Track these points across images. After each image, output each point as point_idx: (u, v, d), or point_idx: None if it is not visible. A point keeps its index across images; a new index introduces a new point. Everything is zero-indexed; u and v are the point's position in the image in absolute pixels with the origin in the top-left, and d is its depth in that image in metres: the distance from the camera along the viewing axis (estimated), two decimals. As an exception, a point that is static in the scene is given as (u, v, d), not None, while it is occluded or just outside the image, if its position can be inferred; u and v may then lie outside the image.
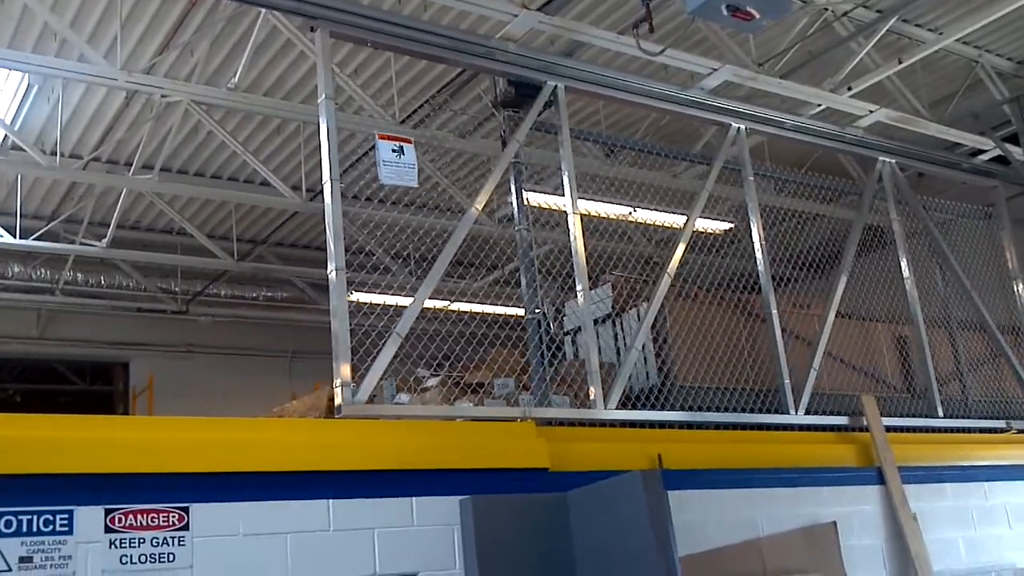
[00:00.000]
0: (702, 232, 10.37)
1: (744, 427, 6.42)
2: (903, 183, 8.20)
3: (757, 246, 7.11)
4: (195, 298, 14.10)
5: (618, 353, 6.87)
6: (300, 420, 4.91)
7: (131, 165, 10.19)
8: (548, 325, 6.86)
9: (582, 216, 6.49)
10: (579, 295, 6.22)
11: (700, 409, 6.28)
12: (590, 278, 7.48)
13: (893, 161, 8.09)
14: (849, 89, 8.15)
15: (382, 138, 5.83)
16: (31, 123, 9.75)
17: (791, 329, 7.18)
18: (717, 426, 6.33)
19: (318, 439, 4.88)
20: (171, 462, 4.33)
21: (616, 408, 6.02)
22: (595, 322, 7.26)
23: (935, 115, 9.50)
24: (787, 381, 6.61)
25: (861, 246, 7.85)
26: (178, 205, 12.03)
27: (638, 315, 7.01)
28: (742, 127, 7.31)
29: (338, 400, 5.07)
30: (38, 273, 12.52)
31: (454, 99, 9.05)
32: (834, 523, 5.82)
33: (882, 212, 8.36)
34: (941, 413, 7.33)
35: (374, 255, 13.35)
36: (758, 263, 7.03)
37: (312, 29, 5.73)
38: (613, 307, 7.18)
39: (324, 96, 5.60)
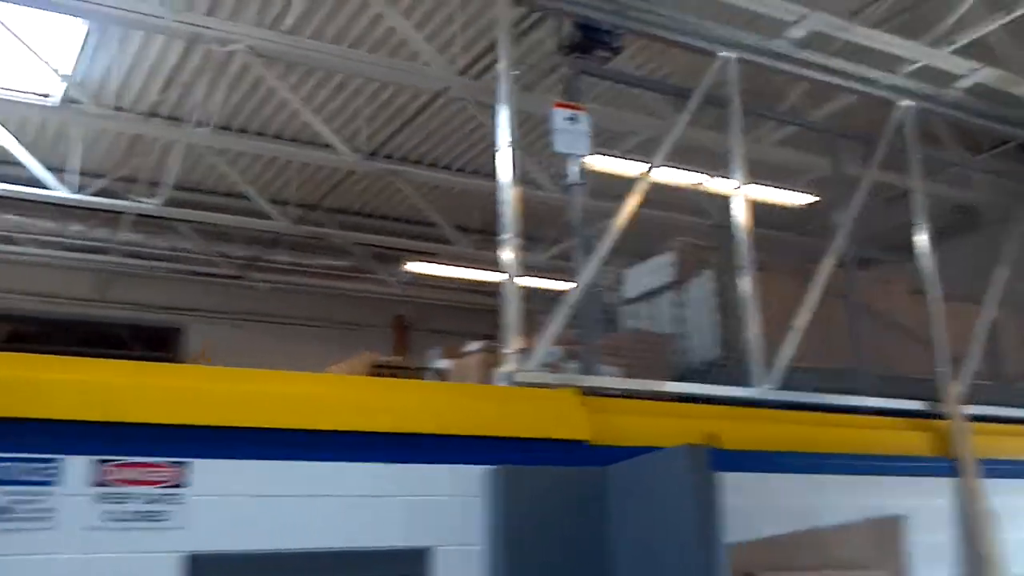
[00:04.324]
0: (780, 206, 9.81)
1: (811, 408, 5.86)
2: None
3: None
4: (253, 263, 13.91)
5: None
6: (314, 375, 4.53)
7: (190, 123, 9.97)
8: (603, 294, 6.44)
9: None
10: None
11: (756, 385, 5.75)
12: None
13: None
14: (951, 44, 7.41)
15: (557, 106, 5.74)
16: (91, 76, 9.56)
17: (869, 305, 6.62)
18: (778, 405, 5.78)
19: (333, 396, 4.48)
20: (171, 412, 3.98)
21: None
22: (655, 291, 6.84)
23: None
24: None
25: (958, 226, 7.25)
26: (237, 168, 11.82)
27: (702, 285, 6.54)
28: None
29: (510, 366, 5.00)
30: (96, 232, 12.43)
31: (516, 47, 8.43)
32: (902, 517, 5.28)
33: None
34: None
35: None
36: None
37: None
38: (676, 275, 6.71)
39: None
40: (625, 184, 6.25)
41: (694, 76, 8.99)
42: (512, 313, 5.16)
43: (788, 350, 5.82)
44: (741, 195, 6.15)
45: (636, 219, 5.87)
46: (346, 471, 4.22)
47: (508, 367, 5.00)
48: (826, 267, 6.25)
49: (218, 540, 3.91)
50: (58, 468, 3.74)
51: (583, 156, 5.72)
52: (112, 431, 3.86)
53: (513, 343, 5.05)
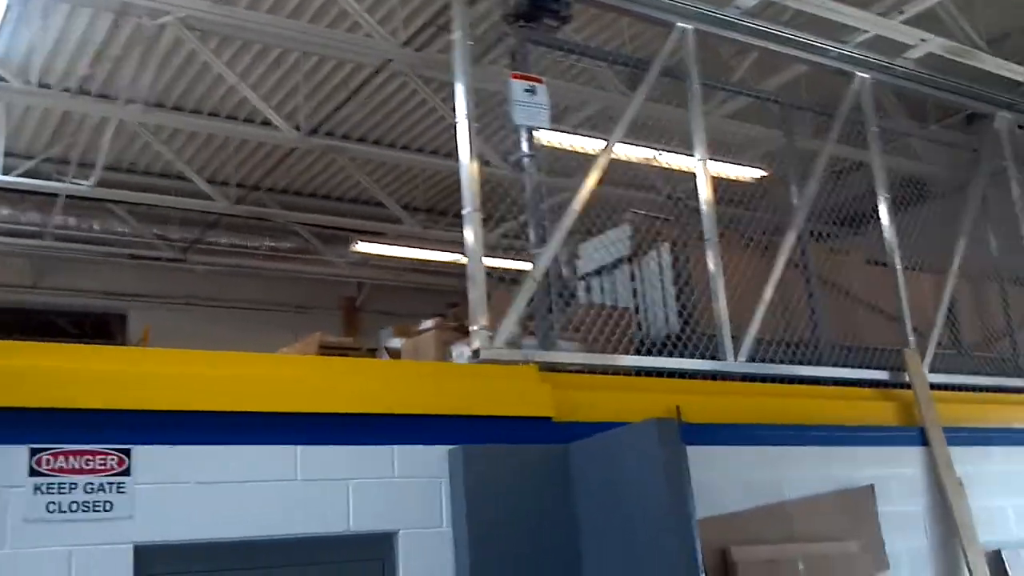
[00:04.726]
0: (731, 180, 9.71)
1: (771, 379, 5.78)
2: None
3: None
4: (192, 246, 13.51)
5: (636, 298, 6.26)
6: (264, 355, 4.31)
7: (121, 100, 9.59)
8: (560, 269, 6.28)
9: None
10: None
11: (714, 358, 5.64)
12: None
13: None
14: (901, 13, 7.37)
15: (514, 77, 5.56)
16: (14, 52, 9.11)
17: (826, 277, 6.55)
18: (743, 377, 5.68)
19: (285, 375, 4.25)
20: (110, 396, 3.73)
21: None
22: (611, 265, 6.69)
23: (994, 51, 8.62)
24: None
25: (905, 198, 7.22)
26: (173, 148, 11.43)
27: (658, 258, 6.41)
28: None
29: (475, 344, 4.84)
30: (28, 216, 11.97)
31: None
32: (871, 486, 5.22)
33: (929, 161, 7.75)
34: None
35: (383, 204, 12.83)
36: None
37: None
38: (632, 249, 6.56)
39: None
40: (575, 159, 6.10)
41: (641, 48, 8.89)
42: (477, 289, 4.98)
43: (756, 322, 5.72)
44: (703, 168, 6.03)
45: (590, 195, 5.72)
46: (301, 455, 4.01)
47: (475, 344, 4.83)
48: (789, 239, 6.17)
49: (166, 530, 3.69)
50: (-10, 458, 3.49)
51: (543, 128, 5.55)
52: (48, 418, 3.60)
53: (478, 320, 4.87)
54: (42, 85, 9.36)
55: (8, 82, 9.13)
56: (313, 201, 13.42)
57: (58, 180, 10.92)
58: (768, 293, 5.89)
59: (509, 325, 4.99)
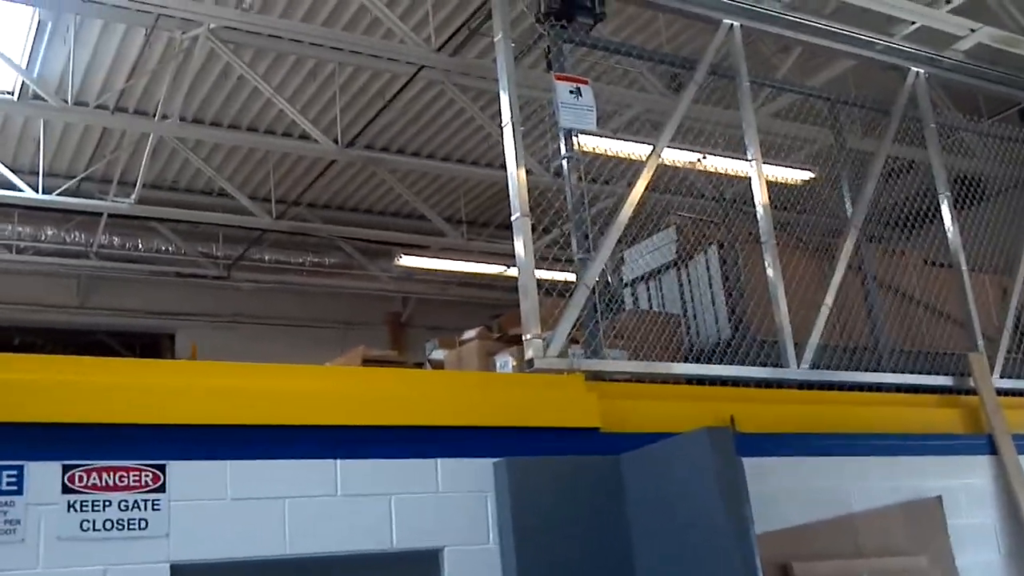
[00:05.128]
0: (778, 182, 9.46)
1: (828, 386, 5.53)
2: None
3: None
4: (236, 263, 13.51)
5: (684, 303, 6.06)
6: (302, 367, 4.17)
7: (163, 117, 9.57)
8: (606, 276, 6.10)
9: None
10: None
11: (778, 366, 5.41)
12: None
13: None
14: (948, 3, 7.11)
15: (559, 79, 5.36)
16: (49, 71, 9.14)
17: (883, 279, 6.30)
18: (800, 385, 5.44)
19: (324, 388, 4.12)
20: (145, 411, 3.63)
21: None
22: (658, 270, 6.50)
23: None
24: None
25: (963, 197, 6.94)
26: (213, 164, 11.43)
27: (707, 261, 6.20)
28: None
29: (529, 353, 4.67)
30: (72, 236, 12.03)
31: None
32: (939, 498, 4.95)
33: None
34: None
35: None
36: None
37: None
38: (678, 253, 6.36)
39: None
40: (618, 164, 5.92)
41: (679, 49, 8.69)
42: (529, 297, 4.81)
43: (818, 328, 5.49)
44: (757, 169, 5.83)
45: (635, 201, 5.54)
46: (341, 469, 3.87)
47: (528, 354, 4.66)
48: (848, 241, 5.95)
49: (202, 548, 3.57)
50: (22, 475, 3.38)
51: (590, 131, 5.38)
52: (81, 433, 3.50)
53: (531, 329, 4.70)
54: (79, 103, 9.36)
55: (46, 100, 9.15)
56: (355, 215, 13.37)
57: (100, 199, 10.94)
58: (830, 298, 5.66)
59: (562, 334, 4.82)
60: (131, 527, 3.50)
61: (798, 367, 5.38)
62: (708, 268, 6.22)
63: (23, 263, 12.31)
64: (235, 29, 8.04)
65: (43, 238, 11.91)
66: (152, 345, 15.31)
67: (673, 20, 8.93)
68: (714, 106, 6.73)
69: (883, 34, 6.98)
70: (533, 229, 5.07)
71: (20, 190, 10.07)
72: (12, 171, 10.07)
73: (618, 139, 8.10)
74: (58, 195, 10.26)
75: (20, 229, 11.73)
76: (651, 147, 5.71)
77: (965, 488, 5.13)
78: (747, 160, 6.01)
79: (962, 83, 7.58)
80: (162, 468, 3.59)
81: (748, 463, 3.92)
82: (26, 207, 10.92)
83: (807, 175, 9.58)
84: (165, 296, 13.85)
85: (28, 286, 12.90)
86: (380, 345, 14.20)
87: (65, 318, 13.61)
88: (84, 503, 3.47)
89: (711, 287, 6.16)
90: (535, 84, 6.99)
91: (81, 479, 3.49)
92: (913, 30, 7.05)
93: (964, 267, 6.41)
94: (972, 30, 7.11)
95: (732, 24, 6.13)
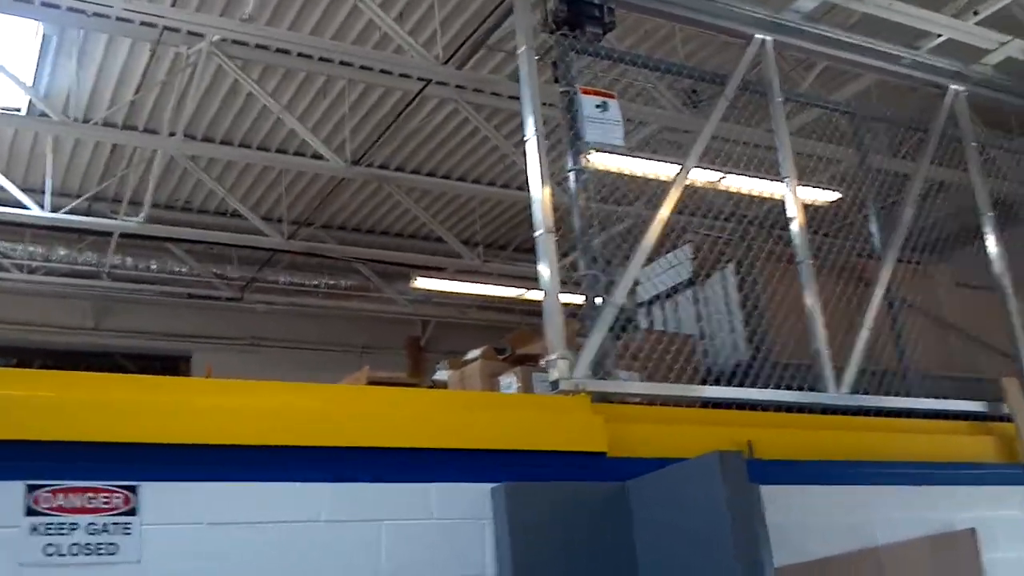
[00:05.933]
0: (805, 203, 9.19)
1: (853, 411, 5.24)
2: None
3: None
4: (250, 284, 13.36)
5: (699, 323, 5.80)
6: (286, 384, 3.93)
7: (171, 135, 9.45)
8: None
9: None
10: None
11: (800, 389, 5.13)
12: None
13: None
14: (975, 14, 6.87)
15: (584, 92, 5.23)
16: (55, 88, 9.04)
17: (910, 300, 6.01)
18: (823, 410, 5.15)
19: (310, 407, 3.88)
20: (116, 428, 3.40)
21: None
22: (672, 289, 6.24)
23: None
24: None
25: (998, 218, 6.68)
26: (225, 184, 11.32)
27: (723, 280, 5.94)
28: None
29: (555, 375, 4.50)
30: (84, 256, 11.95)
31: (500, 32, 7.84)
32: (972, 530, 4.64)
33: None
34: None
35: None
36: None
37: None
38: (695, 271, 6.11)
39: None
40: (633, 183, 5.69)
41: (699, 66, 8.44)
42: (554, 315, 4.62)
43: (858, 351, 5.27)
44: (792, 188, 5.63)
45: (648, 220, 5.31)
46: (326, 493, 3.62)
47: (554, 375, 4.49)
48: (889, 262, 5.73)
49: (175, 575, 3.31)
50: (-19, 496, 3.17)
51: (617, 147, 5.19)
52: (47, 451, 3.27)
53: (557, 348, 4.51)
54: (86, 120, 9.25)
55: (52, 118, 9.04)
56: (370, 237, 13.23)
57: (111, 218, 10.84)
58: (869, 319, 5.44)
59: (588, 354, 4.61)
60: (100, 552, 3.27)
61: (837, 391, 5.13)
62: (725, 287, 5.98)
63: (36, 283, 12.25)
64: (242, 44, 7.89)
65: (55, 258, 11.85)
66: (171, 368, 15.18)
67: (690, 37, 8.72)
68: (734, 123, 6.50)
69: (909, 47, 6.76)
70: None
71: (30, 209, 9.95)
72: (23, 190, 9.97)
73: (642, 157, 7.91)
74: (65, 213, 10.14)
75: (32, 249, 11.69)
76: (675, 165, 5.51)
77: (1000, 520, 4.82)
78: (773, 179, 5.81)
79: (991, 98, 7.31)
80: (133, 489, 3.36)
81: (766, 491, 3.66)
82: (37, 227, 10.81)
83: (833, 195, 9.30)
84: (179, 317, 13.74)
85: (43, 307, 12.83)
86: (400, 370, 14.01)
87: (79, 339, 13.49)
88: (49, 526, 3.24)
89: (728, 307, 5.91)
90: (555, 100, 6.81)
91: (46, 500, 3.26)
92: (939, 43, 6.81)
93: (1009, 289, 6.14)
94: (1001, 43, 6.88)
95: (764, 39, 5.94)
